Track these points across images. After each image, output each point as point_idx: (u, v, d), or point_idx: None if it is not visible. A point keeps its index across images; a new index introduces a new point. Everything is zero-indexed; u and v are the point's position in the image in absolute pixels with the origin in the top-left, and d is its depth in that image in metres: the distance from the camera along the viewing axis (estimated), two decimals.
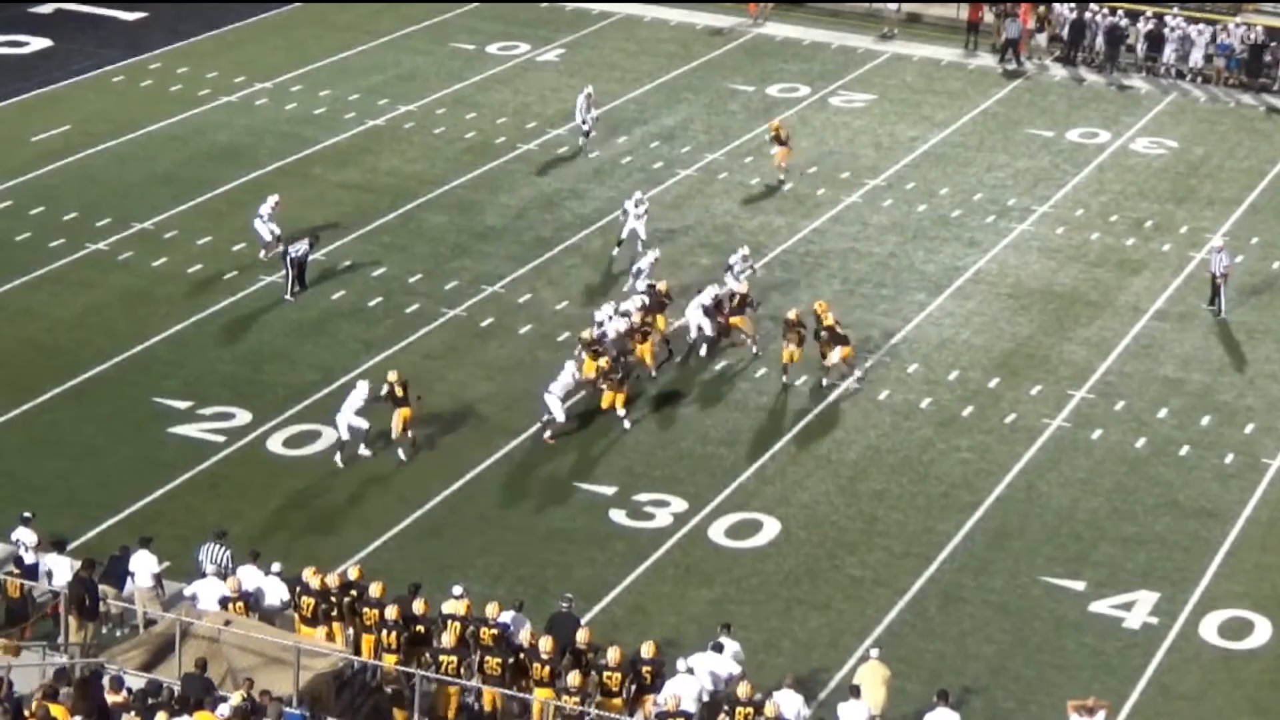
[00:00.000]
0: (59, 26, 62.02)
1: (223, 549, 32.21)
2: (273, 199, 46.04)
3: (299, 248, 44.28)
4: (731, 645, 30.48)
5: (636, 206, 46.74)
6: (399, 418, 38.05)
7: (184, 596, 31.52)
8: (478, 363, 42.08)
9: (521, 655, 29.73)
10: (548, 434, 38.69)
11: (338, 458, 37.76)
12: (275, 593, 31.40)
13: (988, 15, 63.58)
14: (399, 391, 37.99)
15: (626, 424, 39.26)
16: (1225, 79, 61.35)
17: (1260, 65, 61.34)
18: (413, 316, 43.71)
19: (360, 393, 37.86)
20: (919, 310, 45.02)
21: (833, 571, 35.25)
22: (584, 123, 53.09)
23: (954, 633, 33.52)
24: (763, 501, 37.30)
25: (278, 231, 45.46)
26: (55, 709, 26.87)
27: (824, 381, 41.10)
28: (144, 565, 31.89)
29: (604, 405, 39.45)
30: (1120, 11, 63.08)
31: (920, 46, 63.64)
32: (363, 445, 37.92)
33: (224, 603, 30.63)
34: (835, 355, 40.84)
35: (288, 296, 44.19)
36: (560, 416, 38.51)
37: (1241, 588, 35.07)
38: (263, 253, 45.60)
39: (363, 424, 37.83)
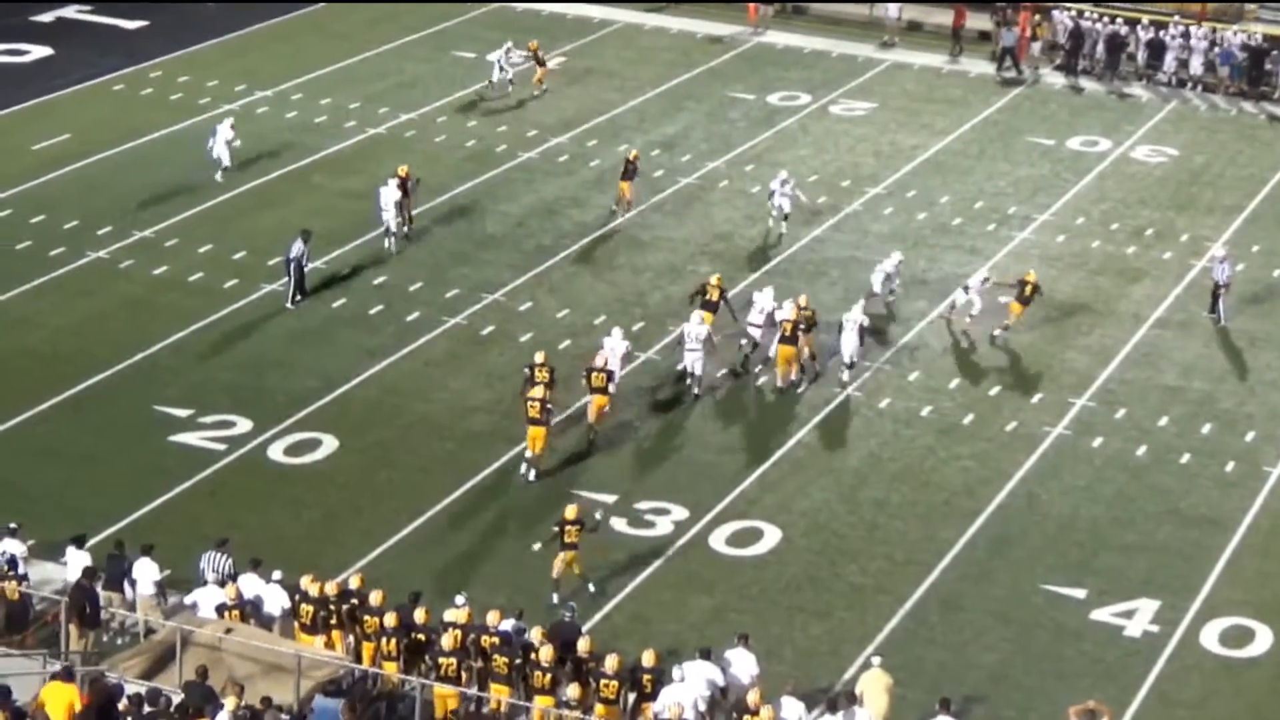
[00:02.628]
0: (60, 35, 62.09)
1: (224, 557, 32.19)
2: (227, 123, 51.30)
3: (296, 248, 44.21)
4: (748, 657, 30.37)
5: (783, 186, 48.53)
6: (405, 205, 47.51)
7: (185, 605, 31.51)
8: (479, 370, 42.07)
9: (530, 654, 29.71)
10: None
11: (389, 244, 46.92)
12: (276, 601, 31.38)
13: (970, 20, 63.66)
14: (398, 191, 46.94)
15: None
16: (1226, 87, 61.37)
17: (1261, 73, 61.38)
18: (414, 324, 43.71)
19: (391, 190, 46.79)
20: (920, 318, 45.00)
21: (834, 579, 35.23)
22: (501, 69, 57.53)
23: (955, 641, 33.50)
24: (764, 509, 37.28)
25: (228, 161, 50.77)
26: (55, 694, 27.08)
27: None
28: (146, 573, 31.87)
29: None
30: (1120, 19, 63.11)
31: (920, 55, 63.69)
32: (391, 240, 46.94)
33: (221, 610, 30.63)
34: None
35: (288, 305, 44.19)
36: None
37: (1242, 595, 35.05)
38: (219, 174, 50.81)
39: (393, 219, 46.67)
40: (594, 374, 38.55)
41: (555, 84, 57.80)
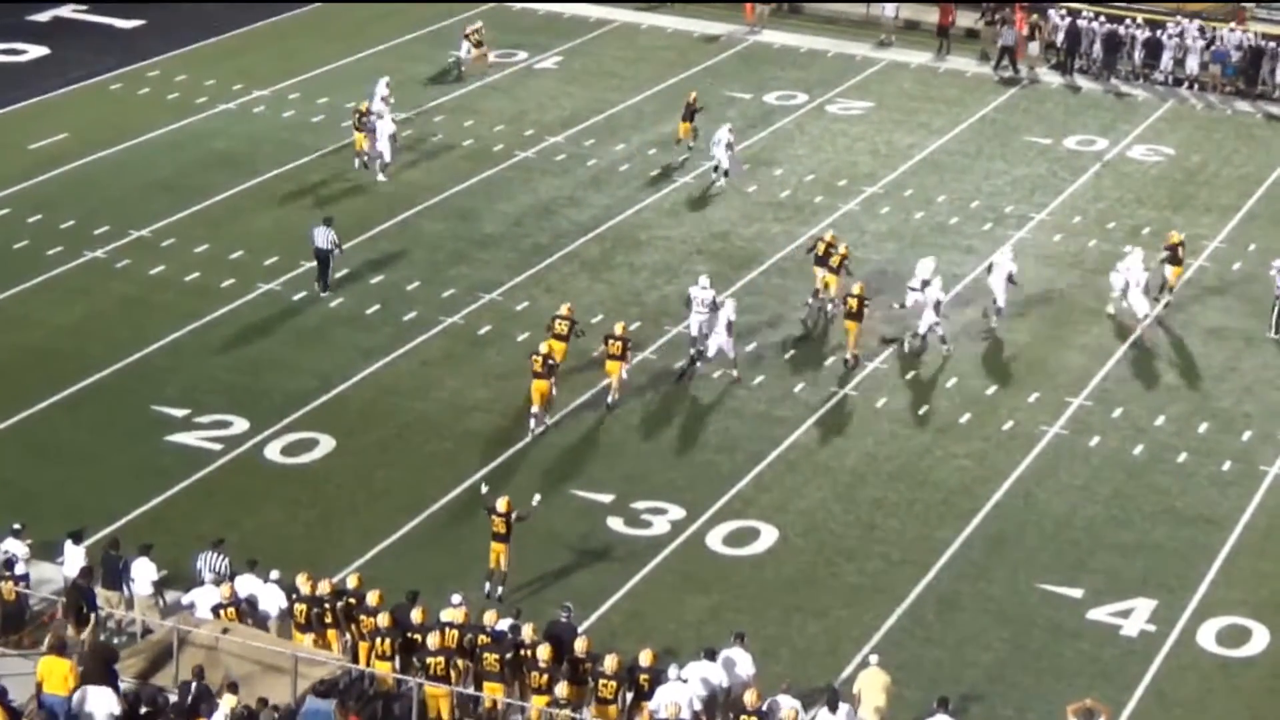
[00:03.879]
0: (57, 34, 62.07)
1: (220, 557, 32.18)
2: (384, 80, 53.92)
3: (327, 235, 44.17)
4: (744, 656, 30.38)
5: (730, 135, 51.87)
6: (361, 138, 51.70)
7: (182, 605, 31.51)
8: (475, 370, 42.07)
9: (521, 652, 29.71)
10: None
11: (382, 174, 51.04)
12: (273, 600, 31.38)
13: (959, 19, 63.76)
14: (392, 125, 51.44)
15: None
16: (1222, 86, 61.40)
17: (1257, 72, 61.40)
18: (411, 324, 43.72)
19: (387, 123, 51.12)
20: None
21: (831, 579, 35.24)
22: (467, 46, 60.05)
23: (952, 640, 33.52)
24: (760, 509, 37.29)
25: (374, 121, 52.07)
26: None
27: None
28: (143, 573, 31.86)
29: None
30: (1128, 20, 63.08)
31: (917, 54, 63.70)
32: (385, 170, 51.03)
33: (216, 610, 30.62)
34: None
35: (323, 294, 44.52)
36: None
37: (1239, 595, 35.07)
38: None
39: (389, 149, 50.89)
40: (610, 341, 40.13)
41: (554, 81, 57.77)
